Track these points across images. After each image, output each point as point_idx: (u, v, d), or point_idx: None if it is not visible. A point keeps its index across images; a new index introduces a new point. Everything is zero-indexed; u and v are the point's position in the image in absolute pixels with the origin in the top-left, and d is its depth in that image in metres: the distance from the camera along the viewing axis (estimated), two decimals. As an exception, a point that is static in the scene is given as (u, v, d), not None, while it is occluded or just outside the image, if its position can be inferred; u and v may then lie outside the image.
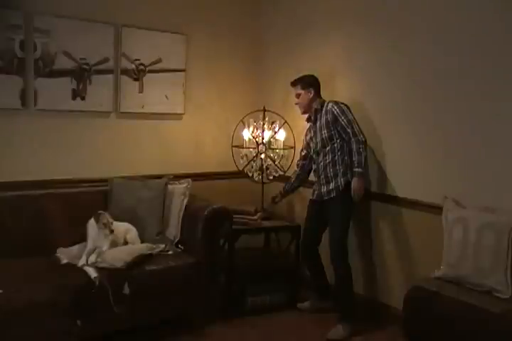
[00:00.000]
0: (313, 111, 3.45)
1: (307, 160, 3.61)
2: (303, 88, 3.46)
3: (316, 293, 3.64)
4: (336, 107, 3.32)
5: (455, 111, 3.06)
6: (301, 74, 3.54)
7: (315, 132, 3.45)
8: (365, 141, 3.29)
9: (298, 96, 3.49)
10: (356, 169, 3.25)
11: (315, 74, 3.53)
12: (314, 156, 3.49)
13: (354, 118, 3.32)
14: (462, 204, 2.94)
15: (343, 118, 3.30)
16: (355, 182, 3.24)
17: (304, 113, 3.54)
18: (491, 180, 2.89)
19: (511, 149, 2.80)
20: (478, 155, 2.95)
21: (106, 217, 3.05)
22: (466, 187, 3.00)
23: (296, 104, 3.53)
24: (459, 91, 3.03)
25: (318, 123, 3.42)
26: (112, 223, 3.05)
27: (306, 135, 3.59)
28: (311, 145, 3.50)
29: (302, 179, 3.69)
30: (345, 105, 3.37)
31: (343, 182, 3.30)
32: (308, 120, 3.54)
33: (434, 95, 3.17)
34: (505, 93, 2.81)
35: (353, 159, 3.27)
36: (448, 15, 3.07)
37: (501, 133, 2.84)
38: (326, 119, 3.35)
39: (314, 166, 3.51)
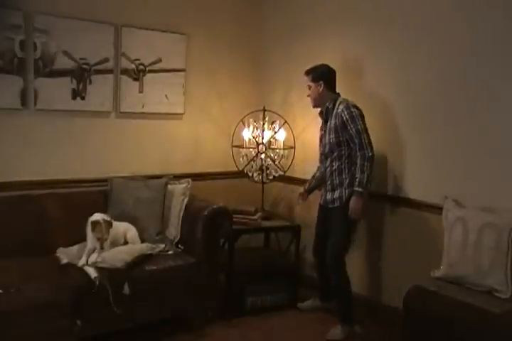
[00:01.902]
0: (325, 108, 3.29)
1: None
2: (313, 80, 3.28)
3: (319, 292, 3.61)
4: (346, 112, 3.13)
5: (455, 112, 3.07)
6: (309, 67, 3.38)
7: (325, 132, 3.31)
8: (372, 155, 3.11)
9: (309, 87, 3.32)
10: (356, 188, 3.10)
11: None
12: (323, 158, 3.38)
13: (365, 126, 3.13)
14: (462, 204, 2.94)
15: (352, 126, 3.11)
16: (353, 202, 3.13)
17: (314, 107, 3.38)
18: (491, 180, 2.89)
19: (511, 149, 2.80)
20: (479, 155, 2.95)
21: (102, 229, 2.97)
22: (466, 187, 3.00)
23: (308, 96, 3.37)
24: (459, 92, 3.04)
25: (328, 124, 3.26)
26: (106, 239, 2.98)
27: (320, 130, 3.42)
28: (322, 144, 3.38)
29: (320, 179, 3.48)
30: (358, 108, 3.17)
31: (347, 194, 3.19)
32: (321, 115, 3.38)
33: (433, 97, 3.17)
34: (506, 93, 2.82)
35: (355, 175, 3.12)
36: (453, 14, 3.08)
37: (501, 133, 2.85)
38: (335, 123, 3.19)
39: (322, 168, 3.41)
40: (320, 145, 3.44)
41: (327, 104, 3.27)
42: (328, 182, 3.31)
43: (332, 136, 3.23)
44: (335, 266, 3.25)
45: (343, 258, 3.26)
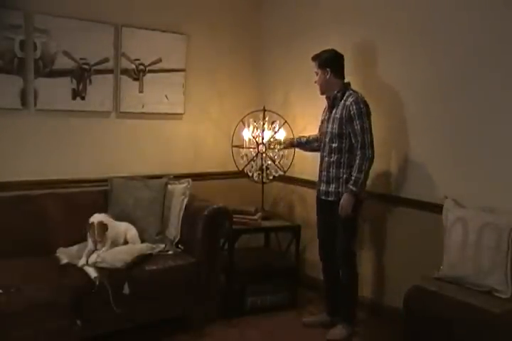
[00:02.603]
0: (333, 95, 3.19)
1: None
2: (319, 67, 3.19)
3: (327, 306, 3.44)
4: (354, 107, 3.06)
5: (455, 111, 3.07)
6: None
7: (328, 119, 3.23)
8: (373, 157, 3.07)
9: (316, 74, 3.23)
10: (350, 187, 3.05)
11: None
12: (322, 144, 3.30)
13: (370, 126, 3.08)
14: (462, 204, 2.94)
15: (358, 122, 3.05)
16: (344, 200, 3.07)
17: (322, 93, 3.28)
18: (491, 180, 2.89)
19: (511, 149, 2.81)
20: (479, 155, 2.95)
21: (94, 232, 2.98)
22: (466, 187, 3.00)
23: (315, 82, 3.27)
24: (459, 92, 3.04)
25: (333, 112, 3.18)
26: (99, 242, 2.99)
27: (323, 112, 3.38)
28: (323, 127, 3.30)
29: (312, 142, 3.50)
30: (367, 105, 3.10)
31: (343, 190, 3.12)
32: (328, 99, 3.27)
33: (434, 97, 3.17)
34: (507, 93, 2.82)
35: (352, 173, 3.07)
36: (454, 10, 3.08)
37: (502, 133, 2.85)
38: (341, 114, 3.11)
39: (320, 155, 3.32)
40: (321, 127, 3.39)
41: (335, 91, 3.19)
42: (324, 173, 3.25)
43: (335, 126, 3.15)
44: (346, 262, 3.19)
45: (353, 252, 3.22)
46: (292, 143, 3.69)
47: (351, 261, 3.23)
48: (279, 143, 3.77)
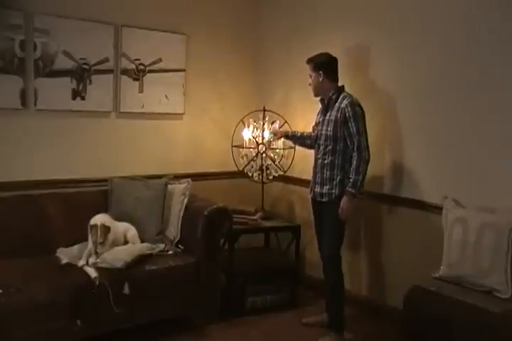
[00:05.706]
0: (327, 98, 3.23)
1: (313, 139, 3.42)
2: (313, 70, 3.22)
3: (327, 305, 3.35)
4: (350, 109, 3.08)
5: (455, 111, 3.07)
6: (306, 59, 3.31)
7: (322, 121, 3.25)
8: (369, 158, 3.08)
9: (310, 76, 3.26)
10: (350, 189, 3.06)
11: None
12: (316, 145, 3.32)
13: (365, 128, 3.11)
14: (462, 204, 2.94)
15: (353, 124, 3.07)
16: (345, 203, 3.08)
17: (315, 96, 3.32)
18: (491, 180, 2.89)
19: (511, 149, 2.80)
20: (478, 155, 2.95)
21: (97, 234, 2.96)
22: (466, 187, 3.00)
23: (309, 84, 3.30)
24: (459, 91, 3.04)
25: (328, 114, 3.20)
26: (100, 243, 2.96)
27: (317, 115, 3.39)
28: (318, 129, 3.31)
29: (304, 138, 3.53)
30: (361, 108, 3.13)
31: (337, 191, 3.14)
32: (322, 101, 3.31)
33: (433, 96, 3.17)
34: (506, 93, 2.82)
35: (350, 176, 3.08)
36: (453, 12, 3.08)
37: (501, 133, 2.85)
38: (336, 117, 3.13)
39: (314, 157, 3.34)
40: (314, 128, 3.42)
41: (330, 94, 3.21)
42: (318, 175, 3.25)
43: (330, 128, 3.17)
44: (331, 264, 3.21)
45: (339, 254, 3.22)
46: (287, 135, 3.66)
47: (338, 265, 3.22)
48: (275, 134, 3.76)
